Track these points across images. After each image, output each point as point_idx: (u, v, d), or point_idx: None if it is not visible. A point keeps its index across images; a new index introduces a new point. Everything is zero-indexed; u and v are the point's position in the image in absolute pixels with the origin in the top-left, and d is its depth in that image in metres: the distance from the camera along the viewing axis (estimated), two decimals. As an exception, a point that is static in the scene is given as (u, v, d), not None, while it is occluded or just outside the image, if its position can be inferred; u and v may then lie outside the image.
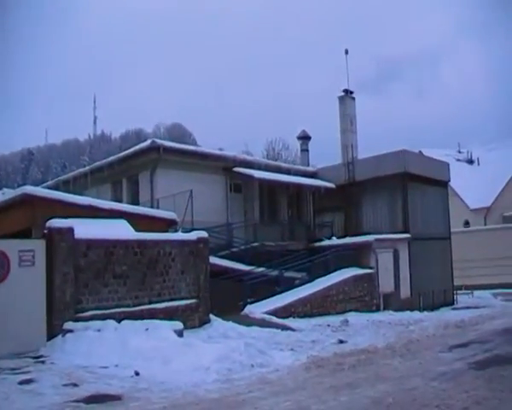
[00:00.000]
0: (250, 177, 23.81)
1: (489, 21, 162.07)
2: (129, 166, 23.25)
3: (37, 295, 11.90)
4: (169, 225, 17.55)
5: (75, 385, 8.61)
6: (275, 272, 20.31)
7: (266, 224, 25.17)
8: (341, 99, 30.34)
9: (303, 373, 9.85)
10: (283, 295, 19.10)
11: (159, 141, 22.75)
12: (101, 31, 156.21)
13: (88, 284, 12.97)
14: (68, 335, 11.56)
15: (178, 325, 12.70)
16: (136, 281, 13.92)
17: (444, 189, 29.75)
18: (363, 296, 21.93)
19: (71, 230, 12.72)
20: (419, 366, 10.05)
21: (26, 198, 14.80)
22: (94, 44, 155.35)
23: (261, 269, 20.25)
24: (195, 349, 10.76)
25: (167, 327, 12.15)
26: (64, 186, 25.26)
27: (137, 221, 15.58)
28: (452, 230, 30.25)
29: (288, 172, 27.51)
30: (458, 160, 57.27)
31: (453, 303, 27.71)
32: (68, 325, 11.92)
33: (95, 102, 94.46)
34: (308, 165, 32.45)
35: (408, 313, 21.25)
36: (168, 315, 13.88)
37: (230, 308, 17.06)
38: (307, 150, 34.05)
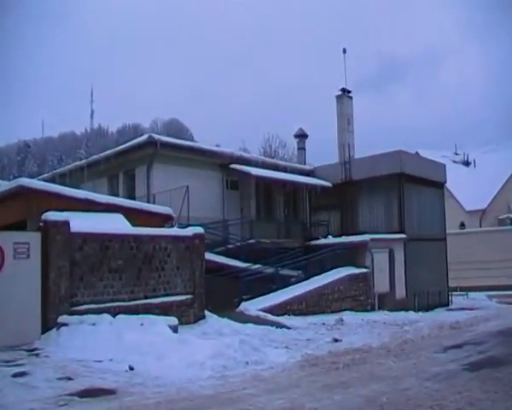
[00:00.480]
0: (247, 174, 23.78)
1: (489, 23, 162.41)
2: (125, 160, 23.21)
3: (32, 288, 11.85)
4: (165, 220, 17.52)
5: (69, 379, 8.58)
6: (270, 270, 20.28)
7: (262, 221, 25.15)
8: (339, 98, 30.35)
9: (297, 371, 9.85)
10: (279, 292, 19.09)
11: (156, 136, 22.70)
12: (100, 25, 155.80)
13: (83, 277, 12.94)
14: (63, 328, 11.54)
15: (173, 320, 12.69)
16: (132, 276, 13.90)
17: (440, 190, 29.80)
18: (359, 296, 21.94)
19: (66, 223, 12.67)
20: (413, 367, 10.05)
21: (22, 190, 14.74)
22: (92, 38, 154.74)
23: (257, 266, 20.25)
24: (190, 345, 10.75)
25: (162, 322, 12.13)
26: (60, 179, 25.19)
27: (133, 216, 15.55)
28: (448, 231, 30.29)
29: (284, 169, 27.52)
30: (455, 161, 57.32)
31: (448, 304, 27.75)
32: (63, 318, 11.88)
33: (92, 95, 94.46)
34: (305, 163, 32.43)
35: (403, 313, 21.27)
36: (163, 310, 13.88)
37: (225, 305, 17.04)
38: (304, 149, 34.01)
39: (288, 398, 7.69)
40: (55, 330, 11.65)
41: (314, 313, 19.03)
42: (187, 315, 14.86)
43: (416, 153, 39.44)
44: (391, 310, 21.92)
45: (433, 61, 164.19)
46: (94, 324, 11.54)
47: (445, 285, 28.45)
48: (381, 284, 23.19)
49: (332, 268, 21.84)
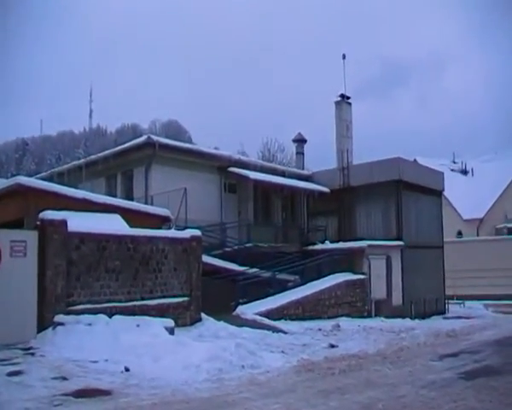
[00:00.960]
0: (245, 177, 23.77)
1: (491, 31, 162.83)
2: (124, 161, 23.18)
3: (29, 287, 11.82)
4: (163, 221, 17.52)
5: (64, 379, 8.56)
6: (267, 274, 20.26)
7: (260, 225, 25.12)
8: (338, 104, 30.40)
9: (293, 376, 9.83)
10: (276, 297, 19.07)
11: (154, 137, 22.71)
12: (100, 25, 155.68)
13: (80, 277, 12.91)
14: (59, 328, 11.51)
15: (170, 322, 12.67)
16: (129, 277, 13.87)
17: (438, 198, 29.82)
18: (355, 302, 21.93)
19: (64, 222, 12.65)
20: (409, 374, 10.03)
21: (20, 188, 14.71)
22: (92, 37, 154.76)
23: (254, 270, 20.22)
24: (186, 347, 10.72)
25: (158, 324, 12.11)
26: (58, 178, 25.15)
27: (131, 217, 15.52)
28: (445, 239, 30.30)
29: (283, 174, 27.53)
30: (453, 170, 57.48)
31: (444, 312, 27.76)
32: (59, 317, 11.85)
33: (91, 95, 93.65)
34: (303, 168, 32.45)
35: (399, 320, 21.25)
36: (160, 312, 13.85)
37: (222, 308, 17.01)
38: (303, 153, 34.03)
39: (283, 403, 7.68)
40: (51, 329, 11.61)
41: (311, 319, 19.00)
42: (183, 317, 14.83)
43: (415, 160, 39.54)
44: (387, 317, 21.89)
45: (434, 67, 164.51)
46: (90, 324, 11.51)
47: (442, 293, 28.46)
48: (377, 291, 23.18)
49: (329, 274, 21.82)
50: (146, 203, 20.26)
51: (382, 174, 26.03)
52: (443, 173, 31.19)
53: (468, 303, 31.59)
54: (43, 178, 24.16)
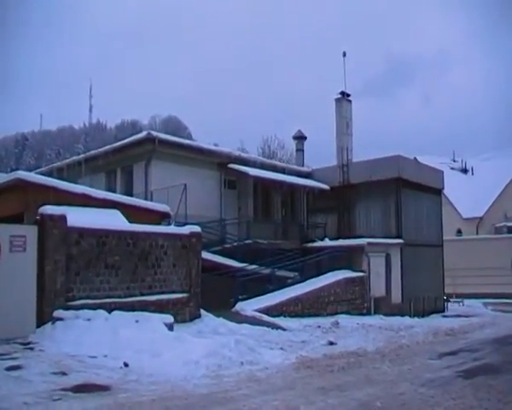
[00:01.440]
0: (245, 174, 23.74)
1: (492, 31, 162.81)
2: (124, 156, 23.14)
3: (28, 282, 11.82)
4: (162, 217, 17.49)
5: (63, 374, 8.56)
6: (267, 271, 20.23)
7: (260, 222, 25.12)
8: (338, 101, 30.32)
9: (292, 373, 9.83)
10: (275, 293, 19.05)
11: (154, 133, 22.67)
12: (100, 20, 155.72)
13: (79, 272, 12.90)
14: (58, 323, 11.52)
15: (169, 318, 12.66)
16: (128, 272, 13.87)
17: (437, 196, 29.84)
18: (355, 299, 21.92)
19: (63, 217, 12.63)
20: (408, 372, 10.04)
21: (19, 183, 14.67)
22: (92, 33, 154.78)
23: (253, 266, 20.21)
24: (185, 343, 10.71)
25: (158, 320, 12.10)
26: (58, 173, 25.09)
27: (131, 212, 15.49)
28: (445, 238, 30.33)
29: (282, 171, 27.49)
30: (452, 168, 57.50)
31: (444, 311, 27.79)
32: (58, 312, 11.86)
33: (91, 90, 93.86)
34: (303, 165, 32.41)
35: (398, 318, 21.25)
36: (159, 308, 13.86)
37: (221, 304, 16.99)
38: (302, 150, 34.00)
39: (282, 399, 7.67)
40: (50, 324, 11.62)
41: (310, 316, 19.01)
42: (182, 313, 14.83)
43: (415, 158, 39.48)
44: (386, 315, 21.90)
45: (435, 65, 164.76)
46: (89, 319, 11.52)
47: (441, 292, 28.50)
48: (377, 289, 23.19)
49: (328, 271, 21.80)
50: (145, 199, 20.23)
51: (382, 172, 26.02)
52: (443, 172, 31.21)
53: (467, 301, 31.65)
54: (42, 173, 24.12)
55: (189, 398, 7.66)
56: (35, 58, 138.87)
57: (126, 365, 9.34)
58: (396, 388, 8.57)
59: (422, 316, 24.15)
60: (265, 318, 16.49)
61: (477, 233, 47.13)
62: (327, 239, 25.83)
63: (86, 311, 11.95)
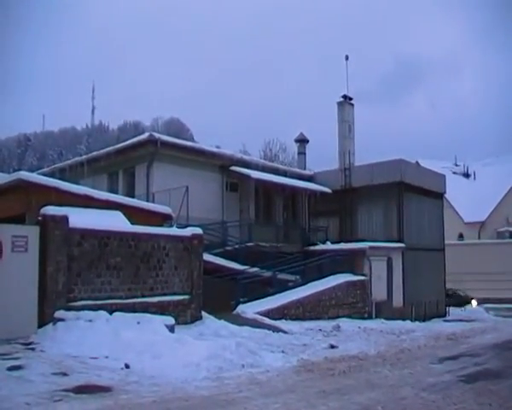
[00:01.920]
0: (247, 176, 23.76)
1: (494, 35, 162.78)
2: (126, 158, 23.17)
3: (30, 282, 11.82)
4: (164, 219, 17.48)
5: (64, 374, 8.55)
6: (268, 273, 20.25)
7: (261, 224, 25.14)
8: (340, 105, 30.37)
9: (293, 376, 9.80)
10: (276, 296, 19.06)
11: (156, 135, 22.69)
12: (103, 21, 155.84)
13: (81, 273, 12.90)
14: (59, 323, 11.51)
15: (170, 320, 12.65)
16: (130, 273, 13.87)
17: (439, 201, 29.86)
18: (356, 303, 21.91)
19: (65, 218, 12.64)
20: (409, 376, 10.00)
21: (21, 183, 14.68)
22: (95, 33, 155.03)
23: (255, 269, 20.20)
24: (186, 345, 10.70)
25: (159, 322, 12.09)
26: (60, 174, 25.09)
27: (133, 214, 15.50)
28: (446, 242, 30.30)
29: (284, 174, 27.52)
30: (454, 173, 57.48)
31: (445, 315, 27.79)
32: (60, 313, 11.85)
33: (93, 91, 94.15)
34: (305, 168, 32.45)
35: (400, 322, 21.21)
36: (160, 310, 13.86)
37: (223, 307, 16.99)
38: (304, 153, 34.03)
39: (283, 403, 7.65)
40: (51, 324, 11.62)
41: (311, 319, 19.00)
42: (184, 315, 14.82)
43: (417, 162, 39.48)
44: (388, 318, 21.87)
45: (438, 70, 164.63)
46: (90, 320, 11.50)
47: (443, 296, 28.49)
48: (378, 292, 23.18)
49: (330, 274, 21.82)
50: (147, 201, 20.24)
51: (384, 176, 26.05)
52: (444, 176, 31.23)
53: (468, 306, 31.60)
54: (44, 174, 24.15)
55: (189, 400, 7.64)
56: (37, 59, 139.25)
57: (127, 366, 9.33)
58: (397, 392, 8.54)
59: (424, 320, 24.10)
60: (267, 320, 16.48)
61: (479, 238, 47.12)
62: (328, 242, 25.85)
63: (87, 312, 11.93)
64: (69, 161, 28.28)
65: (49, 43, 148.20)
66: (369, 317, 22.17)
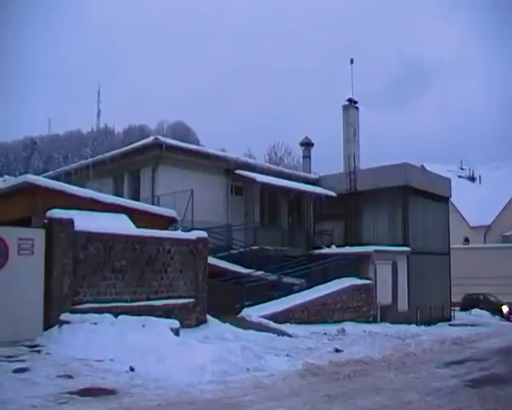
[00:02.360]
0: (252, 180, 23.77)
1: (505, 39, 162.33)
2: (131, 161, 23.21)
3: (35, 285, 11.84)
4: (169, 222, 17.52)
5: (70, 377, 8.57)
6: (273, 277, 20.24)
7: (266, 228, 25.13)
8: (345, 108, 30.39)
9: (298, 380, 9.81)
10: (281, 300, 19.03)
11: (162, 138, 22.73)
12: (110, 25, 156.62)
13: (86, 276, 12.92)
14: (65, 326, 11.52)
15: (175, 323, 12.65)
16: (135, 277, 13.88)
17: (444, 204, 29.78)
18: (361, 307, 21.87)
19: (71, 221, 12.67)
20: (415, 381, 9.99)
21: (28, 186, 14.74)
22: (101, 38, 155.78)
23: (260, 273, 20.20)
24: (191, 349, 10.71)
25: (164, 325, 12.10)
26: (66, 177, 25.17)
27: (138, 217, 15.53)
28: (452, 246, 30.21)
29: (289, 177, 27.51)
30: (460, 176, 57.35)
31: (450, 319, 27.68)
32: (65, 316, 11.87)
33: (99, 95, 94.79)
34: (310, 172, 32.44)
35: (405, 326, 21.17)
36: (165, 313, 13.85)
37: (228, 310, 16.98)
38: (309, 157, 34.06)
39: (288, 406, 7.68)
40: (56, 327, 11.63)
41: (316, 323, 18.95)
42: (189, 319, 14.82)
43: (422, 166, 39.43)
44: (393, 322, 21.84)
45: (445, 74, 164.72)
46: (96, 323, 11.51)
47: (448, 300, 28.39)
48: (383, 296, 23.13)
49: (335, 278, 21.77)
50: (152, 204, 20.26)
51: (389, 179, 26.01)
52: (450, 180, 31.16)
53: (474, 311, 31.48)
54: (50, 177, 24.18)
55: (194, 403, 7.66)
56: (43, 62, 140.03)
57: (132, 369, 9.34)
58: (403, 396, 8.53)
59: (429, 324, 24.03)
60: (272, 324, 16.47)
61: (484, 242, 46.90)
62: (333, 246, 25.83)
63: (93, 315, 11.94)
64: (75, 165, 28.38)
65: (54, 46, 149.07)
66: (374, 321, 22.12)
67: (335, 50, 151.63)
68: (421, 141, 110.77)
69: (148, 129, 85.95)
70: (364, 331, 18.06)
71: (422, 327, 22.35)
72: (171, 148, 22.10)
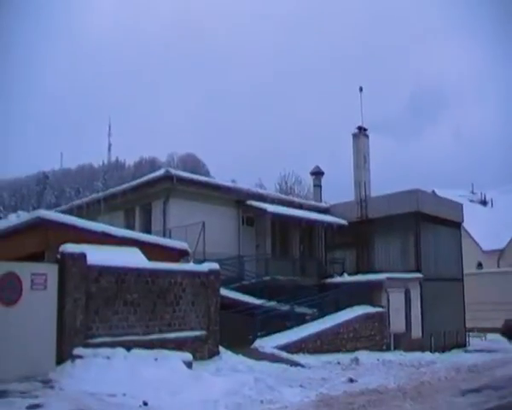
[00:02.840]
0: (263, 210, 23.84)
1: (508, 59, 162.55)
2: (142, 194, 23.38)
3: (48, 320, 11.87)
4: (181, 255, 17.53)
5: (83, 413, 8.54)
6: (285, 307, 20.18)
7: (278, 258, 25.14)
8: (355, 136, 30.54)
9: (312, 411, 9.73)
10: (294, 330, 18.96)
11: (173, 171, 22.91)
12: (119, 59, 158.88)
13: (98, 310, 12.92)
14: (78, 361, 11.52)
15: (188, 356, 12.63)
16: (147, 310, 13.86)
17: (457, 230, 29.65)
18: (374, 335, 21.70)
19: (83, 255, 12.74)
20: (430, 410, 9.88)
21: (40, 222, 14.85)
22: (110, 71, 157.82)
23: (272, 303, 20.14)
24: (204, 382, 10.69)
25: (177, 358, 12.09)
26: (77, 211, 25.37)
27: (149, 250, 15.57)
28: (465, 271, 29.99)
29: (300, 207, 27.57)
30: (471, 200, 56.99)
31: (465, 346, 27.37)
32: (78, 350, 11.86)
33: (110, 128, 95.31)
34: (321, 201, 32.52)
35: (419, 353, 20.96)
36: (178, 346, 13.80)
37: (240, 342, 16.92)
38: (320, 186, 34.17)
39: (303, 438, 7.60)
40: (69, 362, 11.61)
41: (329, 352, 18.83)
42: (201, 351, 14.73)
43: (433, 192, 39.36)
44: (406, 350, 21.64)
45: (453, 98, 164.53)
46: (108, 357, 11.51)
47: (463, 326, 28.10)
48: (396, 324, 22.94)
49: (347, 307, 21.68)
50: (164, 236, 20.37)
51: (400, 206, 25.99)
52: (462, 205, 31.04)
53: (489, 336, 31.09)
54: (63, 211, 24.42)
55: (208, 437, 7.61)
56: (54, 98, 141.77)
57: (145, 403, 9.31)
58: (418, 427, 8.43)
59: (443, 351, 23.78)
60: (284, 355, 16.39)
61: (498, 266, 46.40)
62: (345, 275, 25.74)
63: (105, 349, 11.94)
64: (86, 199, 28.62)
65: (65, 81, 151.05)
66: (388, 349, 21.92)
67: (348, 77, 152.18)
68: (432, 166, 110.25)
69: (158, 161, 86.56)
70: (378, 360, 17.92)
71: (437, 354, 22.11)
72: (181, 180, 22.27)
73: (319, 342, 19.14)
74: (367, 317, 21.68)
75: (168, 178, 21.88)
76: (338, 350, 19.44)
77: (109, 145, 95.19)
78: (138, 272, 13.90)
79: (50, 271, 12.19)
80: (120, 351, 11.89)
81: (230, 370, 13.42)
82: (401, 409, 9.96)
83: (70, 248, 12.67)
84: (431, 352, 22.67)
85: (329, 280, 25.25)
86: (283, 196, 30.92)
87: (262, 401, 10.11)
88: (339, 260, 27.85)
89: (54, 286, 12.13)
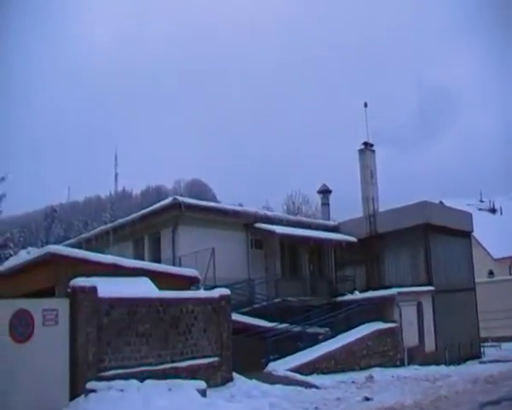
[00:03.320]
0: (271, 232, 23.89)
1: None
2: (150, 223, 23.51)
3: (61, 355, 11.92)
4: (191, 282, 17.55)
5: (98, 448, 8.55)
6: (297, 328, 20.12)
7: (288, 279, 25.13)
8: (361, 152, 30.61)
9: (328, 433, 9.69)
10: (307, 351, 18.88)
11: (180, 198, 23.04)
12: (123, 89, 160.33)
13: (110, 342, 12.95)
14: (91, 395, 11.53)
15: (201, 384, 12.61)
16: (159, 339, 13.88)
17: (467, 239, 29.57)
18: (387, 351, 21.59)
19: (94, 288, 12.81)
20: (448, 425, 9.81)
21: (50, 257, 14.94)
22: (115, 101, 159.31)
23: (284, 325, 20.08)
24: (219, 409, 10.66)
25: (190, 386, 12.07)
26: (86, 244, 25.54)
27: (160, 279, 15.62)
28: (476, 280, 29.83)
29: (308, 226, 27.60)
30: (480, 209, 56.78)
31: (480, 356, 27.13)
32: (91, 384, 11.87)
33: (116, 158, 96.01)
34: (329, 219, 32.51)
35: (434, 367, 20.82)
36: (191, 374, 13.79)
37: (253, 365, 16.86)
38: (328, 204, 34.19)
39: None
40: (83, 396, 11.62)
41: (343, 371, 18.76)
42: (214, 378, 14.70)
43: (440, 202, 39.29)
44: (421, 364, 21.52)
45: (459, 105, 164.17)
46: (122, 390, 11.50)
47: (476, 336, 27.89)
48: (409, 338, 22.83)
49: (359, 324, 21.61)
50: (174, 264, 20.44)
51: (409, 219, 26.00)
52: (471, 214, 30.96)
53: (504, 345, 30.80)
54: (71, 245, 24.59)
55: None
56: (60, 131, 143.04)
57: (161, 434, 9.32)
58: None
59: (458, 363, 23.61)
60: (298, 377, 16.31)
61: (510, 273, 46.11)
62: (356, 292, 25.66)
63: (118, 381, 11.94)
64: (95, 230, 28.76)
65: (70, 113, 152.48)
66: (402, 364, 21.79)
67: (352, 91, 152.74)
68: (439, 176, 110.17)
69: (165, 189, 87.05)
70: (393, 376, 17.79)
71: (452, 367, 21.96)
72: (189, 207, 22.38)
73: (333, 361, 19.06)
74: (380, 333, 21.58)
75: (176, 205, 22.01)
76: (352, 368, 19.35)
77: (116, 175, 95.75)
78: (149, 302, 13.95)
79: (61, 305, 12.28)
80: (134, 383, 11.90)
81: (245, 396, 13.36)
82: (418, 426, 9.90)
83: (80, 281, 12.76)
84: (446, 365, 22.53)
85: (340, 298, 25.16)
86: (291, 217, 30.99)
87: (277, 426, 10.09)
88: (349, 277, 27.80)
89: (65, 321, 12.20)
